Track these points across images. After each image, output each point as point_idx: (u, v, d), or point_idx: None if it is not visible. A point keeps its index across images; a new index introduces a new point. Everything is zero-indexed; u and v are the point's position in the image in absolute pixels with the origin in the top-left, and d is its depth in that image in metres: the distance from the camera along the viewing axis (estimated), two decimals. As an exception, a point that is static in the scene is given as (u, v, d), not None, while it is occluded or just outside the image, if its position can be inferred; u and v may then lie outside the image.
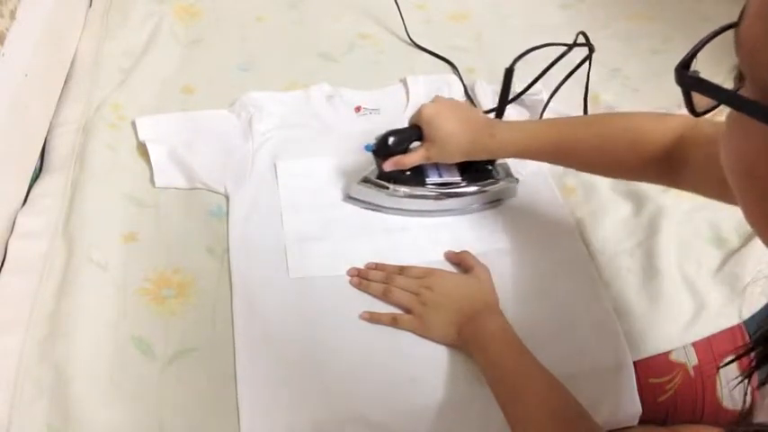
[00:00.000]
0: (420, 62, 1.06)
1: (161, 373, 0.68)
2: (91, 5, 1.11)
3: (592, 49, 0.86)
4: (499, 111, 0.85)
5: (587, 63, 0.89)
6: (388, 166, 0.78)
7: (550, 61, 0.87)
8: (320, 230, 0.81)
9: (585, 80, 0.91)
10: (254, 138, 0.89)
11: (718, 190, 0.58)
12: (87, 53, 1.01)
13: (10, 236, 0.76)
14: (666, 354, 0.72)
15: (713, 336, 0.73)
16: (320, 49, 1.07)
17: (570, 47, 0.86)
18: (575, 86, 0.92)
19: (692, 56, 0.35)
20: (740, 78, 0.31)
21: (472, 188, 0.82)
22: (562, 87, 0.92)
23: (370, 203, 0.82)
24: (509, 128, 0.75)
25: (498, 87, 0.97)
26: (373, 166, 0.81)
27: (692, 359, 0.72)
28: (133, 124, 0.90)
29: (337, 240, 0.80)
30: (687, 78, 0.34)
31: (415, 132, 0.77)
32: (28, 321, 0.69)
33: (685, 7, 1.18)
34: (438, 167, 0.82)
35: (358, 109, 0.97)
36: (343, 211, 0.83)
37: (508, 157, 0.81)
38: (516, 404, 0.62)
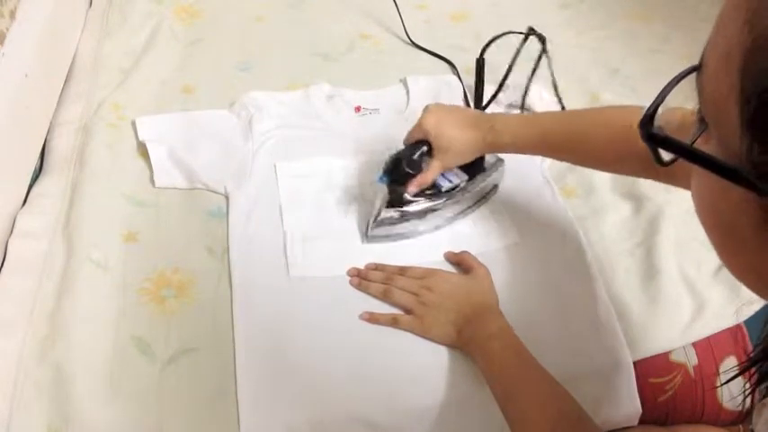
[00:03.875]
0: (420, 62, 1.06)
1: (161, 372, 0.68)
2: (91, 5, 1.11)
3: (543, 40, 0.88)
4: (477, 104, 0.85)
5: (541, 54, 0.90)
6: (413, 188, 0.76)
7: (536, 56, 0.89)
8: (320, 230, 0.80)
9: (550, 71, 0.92)
10: (254, 138, 0.89)
11: None
12: (87, 53, 1.02)
13: (10, 236, 0.76)
14: (666, 354, 0.72)
15: (713, 336, 0.73)
16: (320, 49, 1.07)
17: (526, 35, 0.88)
18: (574, 84, 0.93)
19: (654, 109, 0.32)
20: (703, 120, 0.30)
21: (474, 184, 0.81)
22: (562, 88, 0.92)
23: (395, 235, 0.80)
24: (506, 121, 0.75)
25: (493, 86, 0.97)
26: (379, 202, 0.78)
27: (692, 359, 0.72)
28: (133, 124, 0.90)
29: (337, 240, 0.80)
30: (650, 135, 0.32)
31: (421, 147, 0.76)
32: (28, 321, 0.69)
33: (685, 7, 1.18)
34: (443, 175, 0.80)
35: (358, 109, 0.97)
36: (343, 211, 0.83)
37: (508, 150, 0.79)
38: (515, 405, 0.62)
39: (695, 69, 0.30)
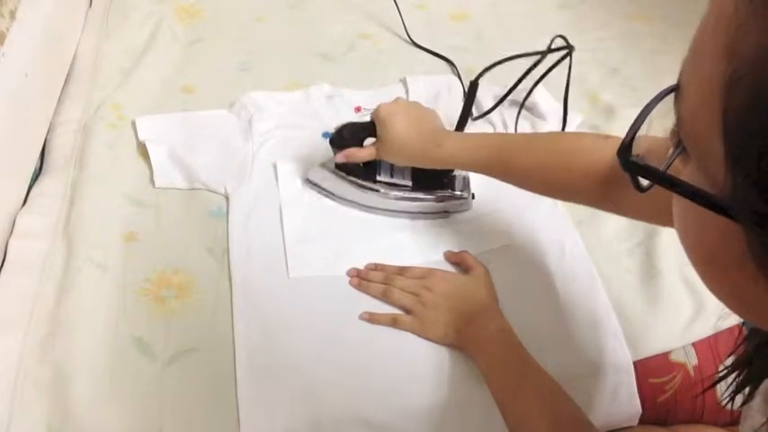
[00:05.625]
0: (420, 62, 1.06)
1: (161, 373, 0.68)
2: (91, 5, 1.11)
3: (571, 50, 0.86)
4: (460, 124, 0.84)
5: (569, 64, 0.88)
6: (340, 157, 0.78)
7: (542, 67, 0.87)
8: (320, 230, 0.81)
9: (566, 81, 0.91)
10: (254, 138, 0.89)
11: (661, 217, 0.52)
12: (87, 53, 1.02)
13: (10, 236, 0.76)
14: (666, 354, 0.72)
15: (713, 336, 0.73)
16: (320, 49, 1.07)
17: (545, 53, 0.85)
18: (574, 84, 0.92)
19: (632, 136, 0.31)
20: (680, 143, 0.29)
21: (418, 195, 0.81)
22: (562, 89, 0.92)
23: (324, 189, 0.83)
24: (457, 140, 0.73)
25: (498, 89, 0.97)
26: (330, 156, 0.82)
27: (692, 359, 0.72)
28: (133, 124, 0.90)
29: (337, 240, 0.80)
30: (628, 164, 0.31)
31: (369, 128, 0.77)
32: (28, 321, 0.69)
33: (686, 7, 1.18)
34: (392, 167, 0.81)
35: (358, 109, 0.97)
36: (343, 212, 0.83)
37: (454, 168, 0.80)
38: (514, 406, 0.62)
39: (672, 91, 0.29)
